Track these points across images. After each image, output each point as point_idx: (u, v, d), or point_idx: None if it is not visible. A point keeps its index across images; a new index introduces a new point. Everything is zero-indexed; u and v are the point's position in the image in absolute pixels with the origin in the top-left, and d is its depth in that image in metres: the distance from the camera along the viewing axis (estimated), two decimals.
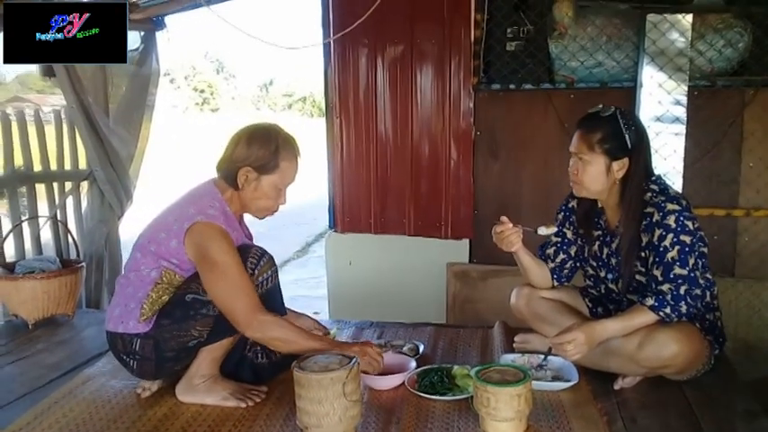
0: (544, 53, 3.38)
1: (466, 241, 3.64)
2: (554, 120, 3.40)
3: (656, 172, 3.16)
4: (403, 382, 2.09)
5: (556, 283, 2.36)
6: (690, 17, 3.12)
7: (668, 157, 3.19)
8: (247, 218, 2.18)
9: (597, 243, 2.24)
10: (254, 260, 1.99)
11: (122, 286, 2.04)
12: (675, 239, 1.95)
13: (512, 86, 3.45)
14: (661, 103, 3.18)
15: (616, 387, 2.06)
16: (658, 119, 3.19)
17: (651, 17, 3.14)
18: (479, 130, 3.55)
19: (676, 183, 3.18)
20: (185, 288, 1.97)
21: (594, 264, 2.26)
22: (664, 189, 2.06)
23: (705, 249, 2.03)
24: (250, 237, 2.18)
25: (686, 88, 3.17)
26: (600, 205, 2.21)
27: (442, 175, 3.60)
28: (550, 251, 2.34)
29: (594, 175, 2.07)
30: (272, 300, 2.03)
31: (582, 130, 2.09)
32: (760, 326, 3.25)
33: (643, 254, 2.06)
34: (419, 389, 2.05)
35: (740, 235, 3.35)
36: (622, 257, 2.12)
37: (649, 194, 2.05)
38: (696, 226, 1.99)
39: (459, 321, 3.45)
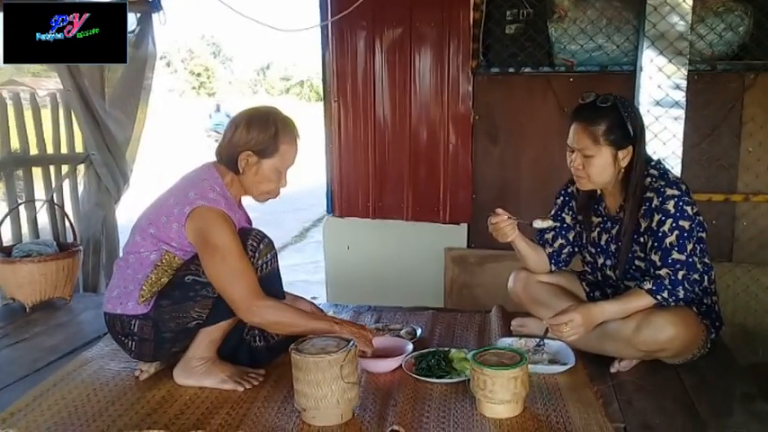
0: (544, 36, 3.36)
1: (464, 226, 3.64)
2: (553, 104, 3.39)
3: (655, 156, 3.16)
4: (400, 366, 2.10)
5: (553, 268, 2.36)
6: (690, 1, 3.09)
7: (667, 142, 3.18)
8: (245, 202, 2.17)
9: (597, 230, 2.23)
10: (255, 243, 1.99)
11: (121, 268, 2.04)
12: (674, 225, 1.95)
13: (511, 70, 3.43)
14: (661, 87, 3.16)
15: (612, 370, 2.07)
16: (658, 103, 3.18)
17: (651, 0, 3.11)
18: (478, 114, 3.53)
19: (675, 167, 3.17)
20: (185, 269, 1.97)
21: (593, 250, 2.26)
22: (663, 174, 2.05)
23: (703, 234, 2.03)
24: (249, 221, 2.18)
25: (686, 72, 3.15)
26: (599, 192, 2.20)
27: (441, 159, 3.59)
28: (549, 236, 2.34)
29: (602, 168, 2.04)
30: (271, 283, 2.03)
31: (582, 122, 2.03)
32: (758, 311, 3.27)
33: (642, 239, 2.06)
34: (416, 372, 2.05)
35: (738, 220, 3.35)
36: (623, 243, 2.11)
37: (649, 179, 2.04)
38: (695, 211, 1.99)
39: (457, 306, 3.46)
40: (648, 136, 3.16)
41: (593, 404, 1.86)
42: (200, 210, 1.92)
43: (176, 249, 1.98)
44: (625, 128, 2.00)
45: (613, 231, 2.16)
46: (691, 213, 1.97)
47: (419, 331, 2.43)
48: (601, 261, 2.24)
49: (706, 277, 2.07)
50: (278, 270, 2.10)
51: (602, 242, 2.21)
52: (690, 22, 3.11)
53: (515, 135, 3.53)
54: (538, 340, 2.19)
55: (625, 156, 2.03)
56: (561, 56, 3.36)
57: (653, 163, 2.09)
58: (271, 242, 2.05)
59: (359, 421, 1.79)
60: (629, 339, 1.98)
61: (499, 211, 2.16)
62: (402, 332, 2.42)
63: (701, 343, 2.05)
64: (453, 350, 2.16)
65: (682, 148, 3.19)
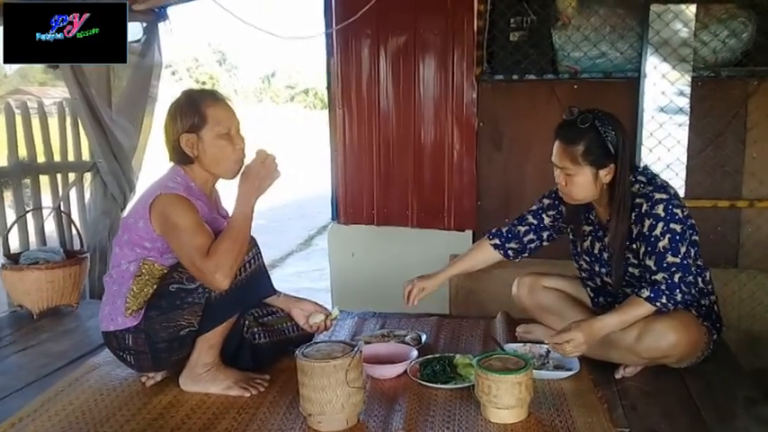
0: (547, 43, 3.36)
1: (469, 233, 3.64)
2: (557, 110, 3.38)
3: (660, 163, 3.17)
4: (405, 371, 2.10)
5: (518, 260, 2.38)
6: (693, 7, 3.10)
7: (672, 148, 3.18)
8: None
9: (589, 238, 2.23)
10: None
11: (108, 285, 2.08)
12: (665, 228, 1.95)
13: (515, 77, 3.44)
14: (665, 93, 3.17)
15: (617, 376, 2.07)
16: (662, 109, 3.18)
17: (655, 7, 3.12)
18: (482, 121, 3.54)
19: (680, 174, 3.17)
20: (168, 278, 1.98)
21: (588, 259, 2.26)
22: (651, 179, 2.05)
23: (696, 237, 2.03)
24: (227, 216, 2.18)
25: (690, 79, 3.15)
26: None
27: (445, 166, 3.60)
28: (522, 229, 2.34)
29: (583, 186, 2.05)
30: (258, 282, 2.03)
31: (563, 142, 2.04)
32: (763, 316, 3.25)
33: (634, 245, 2.05)
34: (421, 377, 2.06)
35: (743, 226, 3.33)
36: (614, 256, 2.11)
37: (637, 186, 2.04)
38: (686, 213, 1.99)
39: (462, 312, 3.45)
40: (653, 142, 3.19)
41: (597, 409, 1.86)
42: (159, 198, 1.95)
43: (149, 250, 1.99)
44: (605, 147, 1.99)
45: (605, 240, 2.16)
46: (681, 216, 1.97)
47: (424, 337, 2.44)
48: (597, 269, 2.24)
49: (700, 279, 2.07)
50: (264, 267, 2.06)
51: (596, 251, 2.21)
52: (693, 29, 3.12)
53: (519, 142, 3.53)
54: (544, 348, 2.19)
55: (607, 173, 2.02)
56: (565, 63, 3.37)
57: (640, 169, 2.10)
58: (252, 239, 2.00)
59: (364, 426, 1.80)
60: (631, 348, 1.99)
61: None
62: (407, 338, 2.43)
63: (704, 345, 2.05)
64: (458, 356, 2.17)
65: (686, 155, 3.19)
